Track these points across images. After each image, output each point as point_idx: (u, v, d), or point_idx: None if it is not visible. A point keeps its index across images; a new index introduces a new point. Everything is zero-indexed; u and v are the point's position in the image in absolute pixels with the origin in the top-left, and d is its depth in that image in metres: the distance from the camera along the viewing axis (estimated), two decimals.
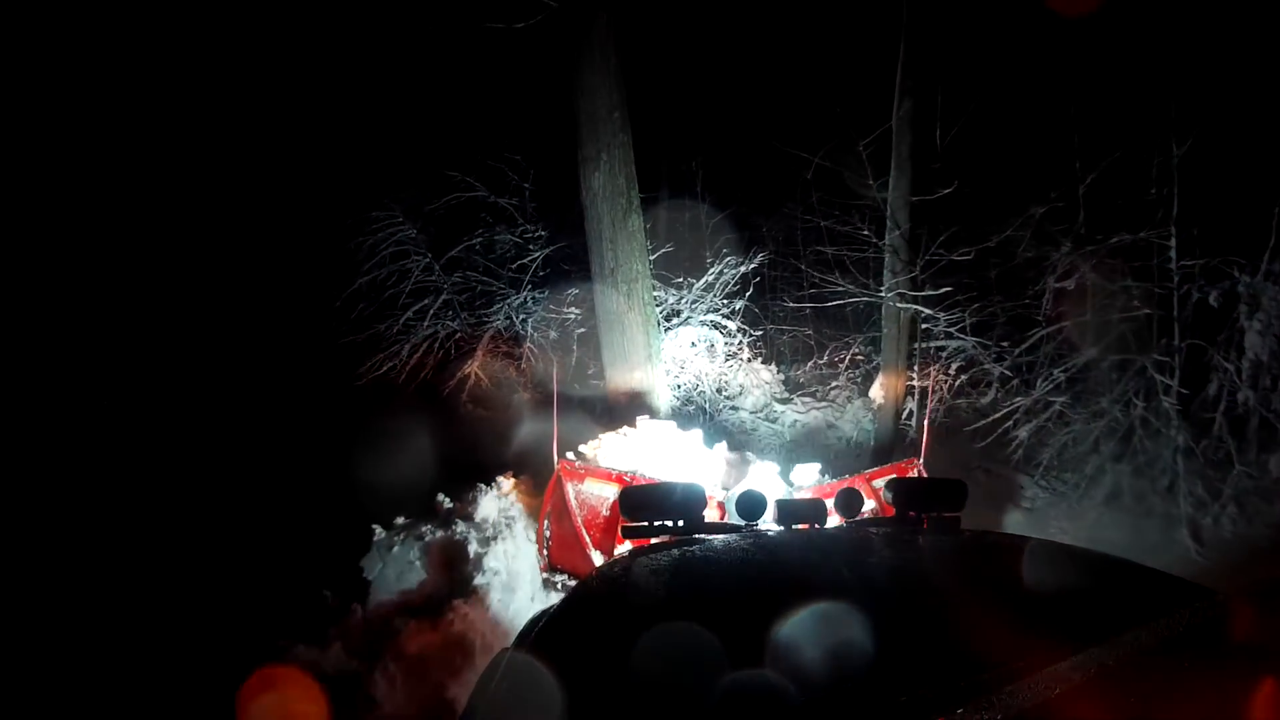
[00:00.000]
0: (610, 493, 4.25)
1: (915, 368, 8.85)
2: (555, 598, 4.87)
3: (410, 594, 4.32)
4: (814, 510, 2.38)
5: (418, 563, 4.51)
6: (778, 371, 10.27)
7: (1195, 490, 6.94)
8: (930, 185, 8.36)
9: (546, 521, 4.03)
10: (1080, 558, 1.80)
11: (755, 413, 9.44)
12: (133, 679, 3.52)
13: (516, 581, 4.43)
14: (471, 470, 5.75)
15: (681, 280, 9.77)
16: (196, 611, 4.02)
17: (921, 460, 4.37)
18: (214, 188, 10.02)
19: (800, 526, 2.35)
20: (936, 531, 2.24)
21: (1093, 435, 7.56)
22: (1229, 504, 6.83)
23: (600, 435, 6.25)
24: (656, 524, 2.34)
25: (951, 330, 8.59)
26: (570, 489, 3.96)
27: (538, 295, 10.21)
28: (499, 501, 5.04)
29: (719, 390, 9.43)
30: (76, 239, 8.97)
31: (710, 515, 3.60)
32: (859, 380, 9.87)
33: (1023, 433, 7.78)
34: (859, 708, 1.07)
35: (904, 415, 8.88)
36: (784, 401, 9.73)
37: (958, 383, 8.76)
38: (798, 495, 4.36)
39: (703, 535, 2.26)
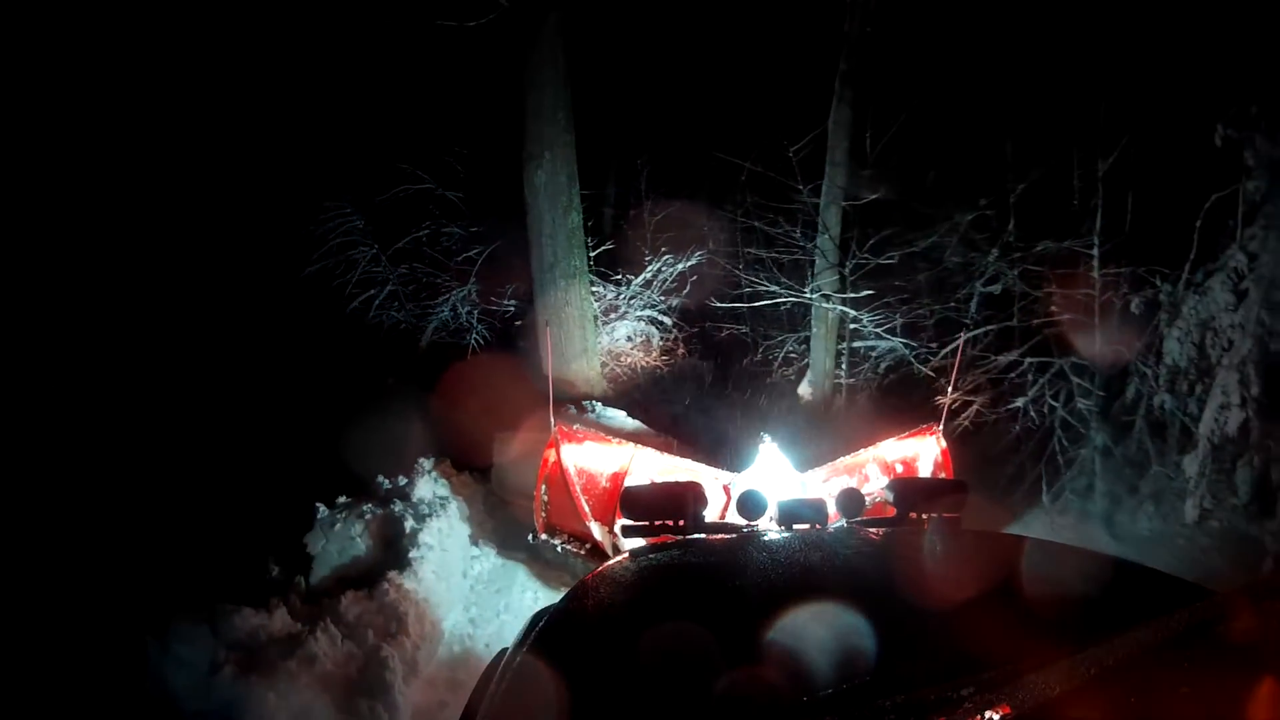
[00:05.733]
0: (612, 458, 4.06)
1: (843, 366, 9.26)
2: (483, 567, 5.18)
3: (350, 567, 4.59)
4: (814, 510, 2.39)
5: (358, 539, 4.77)
6: (714, 367, 10.53)
7: (1113, 489, 7.26)
8: (861, 191, 8.71)
9: (544, 486, 3.84)
10: (1080, 558, 1.83)
11: (689, 406, 9.80)
12: (78, 637, 3.71)
13: (449, 556, 4.73)
14: (409, 454, 6.00)
15: (621, 277, 10.04)
16: (144, 580, 4.19)
17: (940, 426, 4.28)
18: (163, 173, 9.97)
19: (800, 526, 2.34)
20: (936, 531, 2.26)
21: (1012, 435, 7.98)
22: (1145, 501, 7.05)
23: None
24: (656, 524, 2.39)
25: (879, 331, 8.95)
26: (568, 455, 3.78)
27: (481, 288, 10.36)
28: (434, 484, 5.33)
29: (654, 383, 9.73)
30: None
31: (717, 506, 3.81)
32: (792, 377, 10.25)
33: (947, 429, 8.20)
34: (859, 708, 1.07)
35: (834, 409, 9.31)
36: (718, 396, 10.08)
37: (886, 382, 9.14)
38: (809, 475, 4.35)
39: (703, 535, 2.33)
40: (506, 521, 5.67)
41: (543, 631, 1.57)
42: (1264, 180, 6.45)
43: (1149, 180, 7.62)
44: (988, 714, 0.91)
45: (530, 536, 4.00)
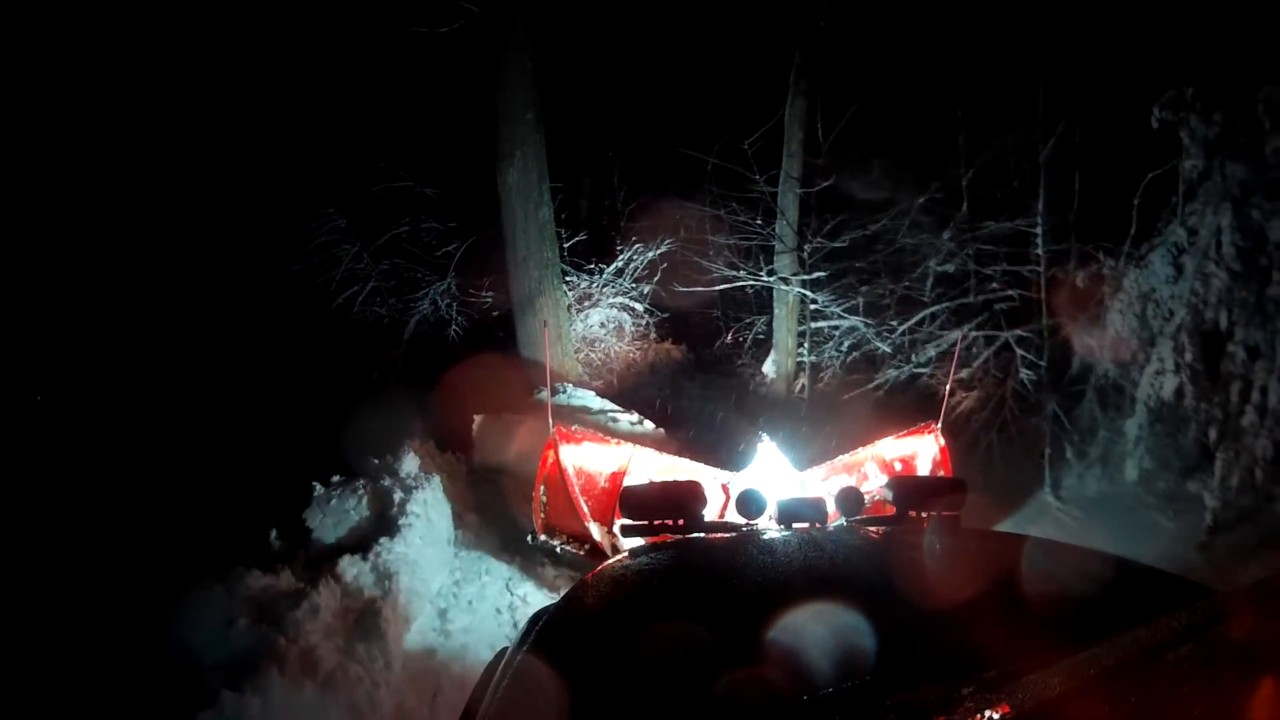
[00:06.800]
0: (611, 458, 4.05)
1: (805, 345, 9.75)
2: (466, 535, 5.66)
3: (346, 536, 5.05)
4: (814, 510, 2.38)
5: (352, 511, 5.25)
6: (687, 351, 10.95)
7: (1063, 454, 7.69)
8: (815, 178, 9.20)
9: (542, 487, 3.76)
10: (1080, 557, 1.83)
11: (661, 389, 10.26)
12: (108, 600, 4.18)
13: (434, 524, 5.21)
14: (396, 438, 6.47)
15: (594, 266, 10.44)
16: (164, 551, 4.66)
17: (939, 424, 4.26)
18: (153, 172, 10.25)
19: (800, 525, 2.34)
20: (936, 530, 2.29)
21: (964, 405, 8.44)
22: (1094, 465, 7.51)
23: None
24: (656, 524, 2.39)
25: (838, 310, 9.39)
26: (566, 455, 3.75)
27: (460, 281, 10.73)
28: (420, 461, 5.82)
29: (627, 367, 10.19)
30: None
31: (716, 505, 3.85)
32: (761, 358, 10.72)
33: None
34: (859, 708, 1.08)
35: (797, 389, 9.82)
36: (690, 376, 10.55)
37: (849, 359, 9.56)
38: (808, 474, 4.35)
39: (703, 535, 2.35)
40: (486, 494, 6.15)
41: (542, 631, 1.58)
42: (1200, 159, 6.66)
43: (1093, 161, 8.02)
44: (988, 714, 0.92)
45: (530, 537, 3.99)
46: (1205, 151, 6.63)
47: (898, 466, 4.33)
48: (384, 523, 5.04)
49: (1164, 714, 0.93)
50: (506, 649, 1.71)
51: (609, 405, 7.29)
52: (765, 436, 4.61)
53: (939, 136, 8.96)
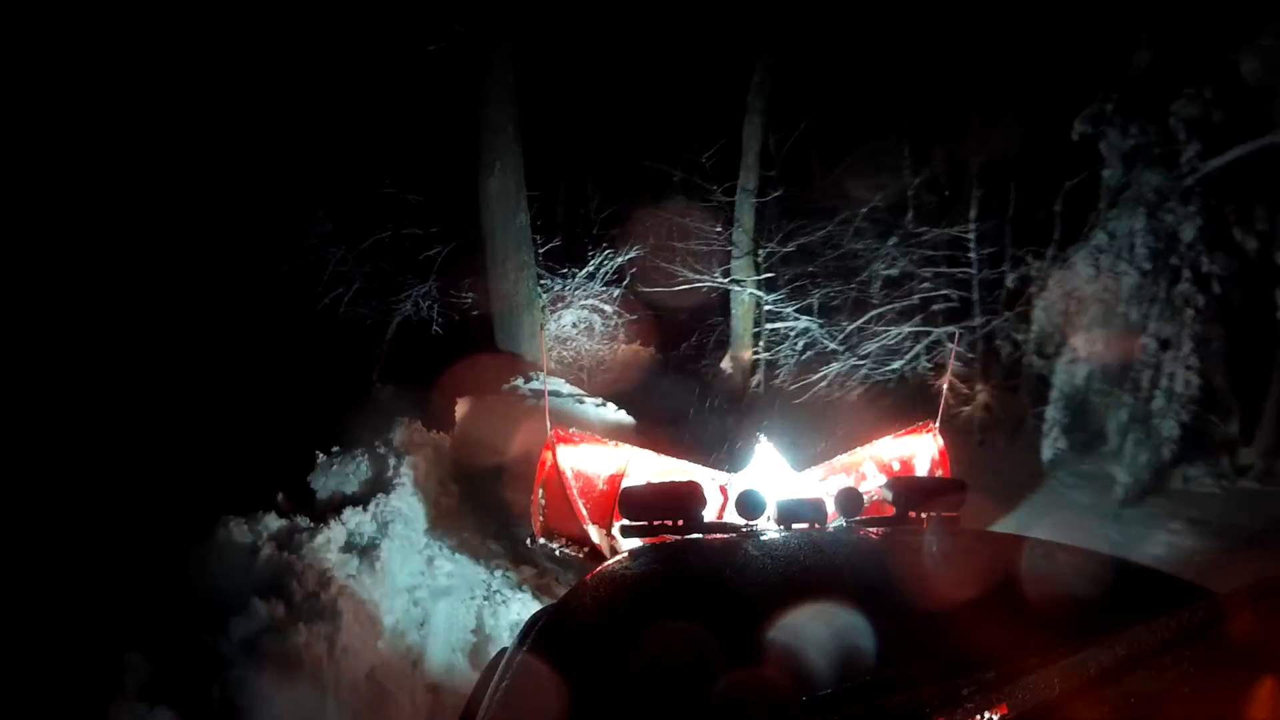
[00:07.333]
0: (609, 460, 3.96)
1: (761, 343, 10.55)
2: (449, 497, 6.40)
3: (347, 495, 5.81)
4: (813, 510, 2.39)
5: (351, 475, 6.03)
6: (655, 351, 11.65)
7: (995, 438, 8.46)
8: (768, 189, 10.08)
9: (541, 490, 3.69)
10: (1080, 557, 1.82)
11: (629, 384, 10.95)
12: (162, 531, 4.96)
13: (423, 486, 5.96)
14: (387, 417, 7.22)
15: (567, 270, 11.12)
16: (196, 503, 5.39)
17: (938, 424, 4.22)
18: (148, 178, 10.54)
19: (799, 526, 2.35)
20: (935, 531, 2.30)
21: (903, 397, 9.18)
22: (1023, 449, 8.14)
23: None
24: (656, 524, 2.40)
25: (790, 311, 10.21)
26: (564, 457, 3.70)
27: (441, 283, 11.37)
28: (411, 435, 6.57)
29: (597, 364, 10.83)
30: None
31: (715, 506, 3.79)
32: (723, 358, 11.44)
33: (852, 395, 9.49)
34: (859, 708, 1.08)
35: (754, 384, 10.62)
36: (656, 375, 11.28)
37: (803, 357, 10.27)
38: (807, 475, 4.32)
39: (703, 535, 2.36)
40: (466, 465, 6.85)
41: (542, 631, 1.59)
42: (1118, 169, 7.35)
43: (1026, 172, 8.81)
44: (988, 714, 0.92)
45: (529, 540, 3.97)
46: (1123, 161, 7.31)
47: (896, 466, 4.23)
48: (380, 482, 5.79)
49: (1164, 714, 0.97)
50: (506, 649, 1.73)
51: (576, 391, 8.02)
52: (763, 437, 4.50)
53: (885, 150, 9.82)
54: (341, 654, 4.03)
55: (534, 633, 1.60)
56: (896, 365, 9.18)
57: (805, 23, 9.97)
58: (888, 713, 1.02)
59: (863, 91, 9.84)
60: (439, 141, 10.94)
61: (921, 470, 4.09)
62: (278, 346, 10.04)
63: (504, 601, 5.20)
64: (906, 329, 9.26)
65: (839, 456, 4.34)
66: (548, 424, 3.73)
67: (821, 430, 8.34)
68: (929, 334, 9.16)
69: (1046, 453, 7.53)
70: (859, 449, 4.28)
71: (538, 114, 9.96)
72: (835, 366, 9.52)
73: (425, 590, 5.09)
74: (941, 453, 4.08)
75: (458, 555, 5.57)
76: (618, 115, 11.83)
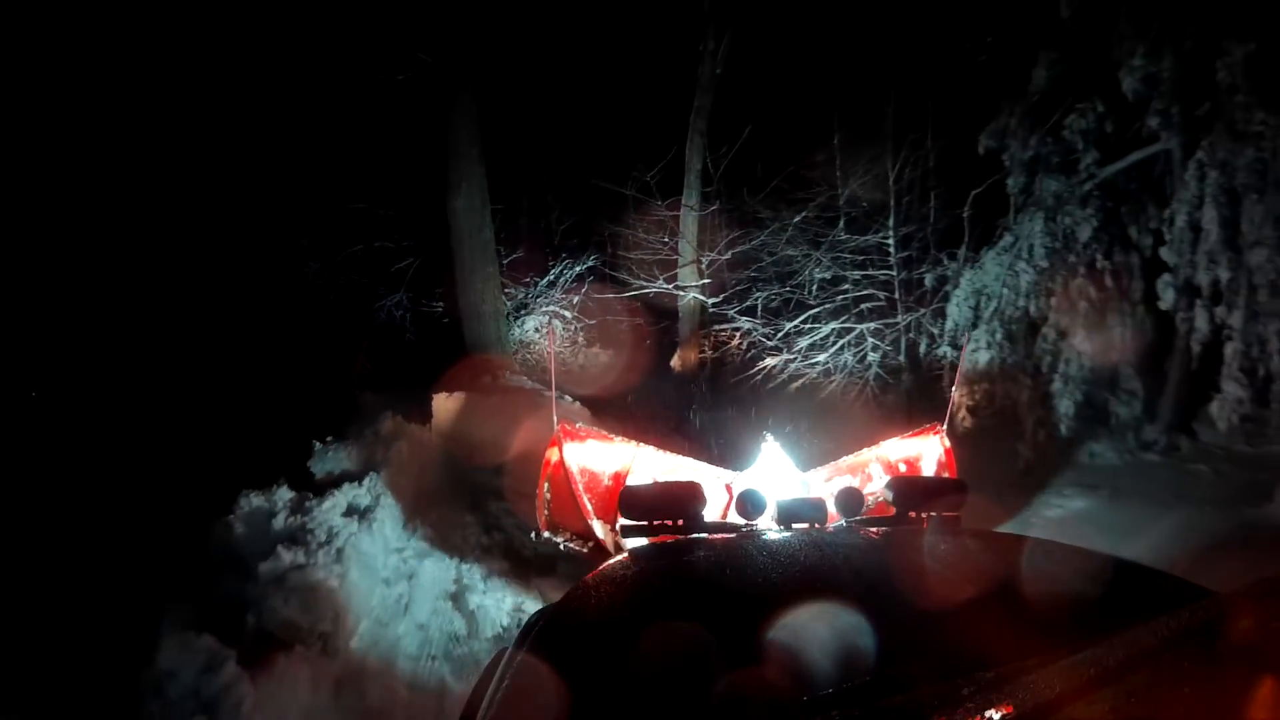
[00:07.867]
0: (614, 456, 4.01)
1: (707, 343, 11.57)
2: (430, 477, 7.36)
3: (342, 474, 6.76)
4: (814, 510, 2.40)
5: (345, 460, 7.01)
6: (612, 354, 12.40)
7: (916, 418, 9.27)
8: (708, 203, 11.10)
9: (546, 484, 3.69)
10: (1080, 557, 1.81)
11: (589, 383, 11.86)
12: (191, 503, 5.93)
13: (407, 468, 6.93)
14: (372, 413, 8.21)
15: (530, 279, 12.08)
16: (212, 485, 6.32)
17: (945, 426, 4.19)
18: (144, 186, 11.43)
19: (800, 526, 2.36)
20: (936, 531, 2.28)
21: (832, 387, 10.23)
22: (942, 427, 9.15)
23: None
24: (656, 523, 2.41)
25: (732, 313, 11.18)
26: (570, 453, 3.72)
27: (413, 294, 12.25)
28: (393, 425, 7.55)
29: (560, 365, 11.66)
30: None
31: (717, 505, 3.90)
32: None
33: (790, 388, 10.49)
34: (859, 708, 1.08)
35: (703, 379, 11.64)
36: (613, 374, 12.14)
37: (749, 355, 11.13)
38: (811, 475, 4.36)
39: (703, 534, 2.36)
40: (441, 452, 7.84)
41: (542, 631, 1.59)
42: (1022, 177, 8.13)
43: (944, 181, 9.77)
44: (988, 714, 0.92)
45: (533, 534, 3.96)
46: (1025, 170, 8.13)
47: (902, 468, 4.26)
48: (371, 464, 6.75)
49: (1164, 714, 0.98)
50: (506, 649, 1.72)
51: (539, 385, 8.99)
52: (769, 437, 4.54)
53: (817, 163, 10.81)
54: (350, 588, 5.00)
55: (534, 633, 1.61)
56: (822, 359, 10.15)
57: (743, 48, 11.02)
58: (888, 713, 1.04)
59: (796, 111, 10.81)
60: (409, 161, 11.68)
61: (928, 471, 4.11)
62: (272, 354, 10.98)
63: (477, 560, 6.17)
64: (834, 324, 10.24)
65: (845, 457, 4.41)
66: (554, 420, 3.75)
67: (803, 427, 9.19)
68: (853, 330, 10.16)
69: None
70: (865, 450, 4.35)
71: (501, 133, 10.79)
72: (770, 361, 10.45)
73: (411, 550, 6.03)
74: (948, 454, 4.10)
75: (438, 523, 6.53)
76: (575, 134, 12.59)
